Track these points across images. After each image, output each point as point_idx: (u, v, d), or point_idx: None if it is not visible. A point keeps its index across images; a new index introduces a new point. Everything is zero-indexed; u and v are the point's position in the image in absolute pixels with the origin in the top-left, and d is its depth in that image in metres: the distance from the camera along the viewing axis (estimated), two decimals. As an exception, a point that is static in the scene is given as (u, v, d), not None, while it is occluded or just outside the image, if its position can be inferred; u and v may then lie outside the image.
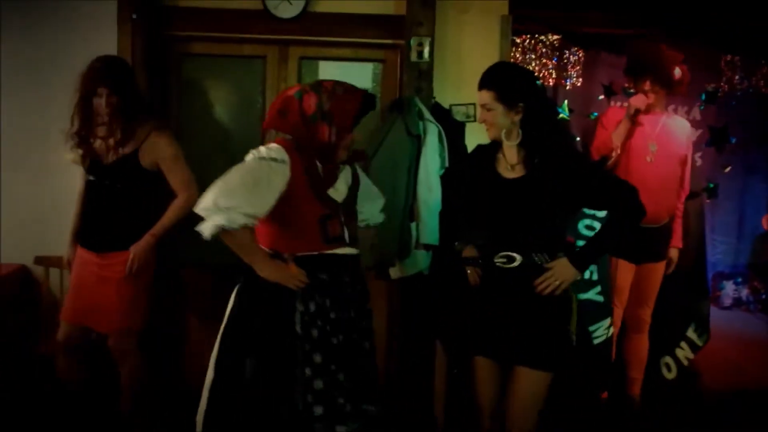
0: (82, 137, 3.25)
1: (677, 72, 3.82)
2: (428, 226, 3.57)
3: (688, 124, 4.13)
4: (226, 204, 2.29)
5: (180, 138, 4.03)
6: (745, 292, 6.05)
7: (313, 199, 2.45)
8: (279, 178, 2.38)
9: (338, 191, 2.54)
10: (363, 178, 2.79)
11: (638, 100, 3.81)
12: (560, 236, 2.66)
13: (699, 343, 4.26)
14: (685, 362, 4.25)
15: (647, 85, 3.83)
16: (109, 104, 3.17)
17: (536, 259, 2.57)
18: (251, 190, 2.32)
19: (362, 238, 2.79)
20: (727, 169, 5.79)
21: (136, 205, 3.29)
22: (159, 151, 3.28)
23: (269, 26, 3.89)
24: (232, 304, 2.56)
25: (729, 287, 6.12)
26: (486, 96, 2.59)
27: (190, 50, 4.02)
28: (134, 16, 3.78)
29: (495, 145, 2.70)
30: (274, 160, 2.38)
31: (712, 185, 5.73)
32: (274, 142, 2.50)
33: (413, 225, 3.61)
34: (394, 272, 3.71)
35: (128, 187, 3.26)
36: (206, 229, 2.31)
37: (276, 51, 4.04)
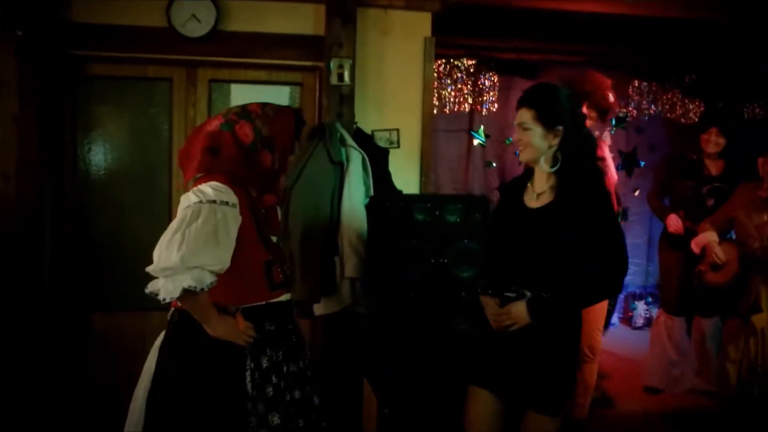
0: None
1: (610, 97, 3.80)
2: (353, 259, 3.35)
3: (606, 146, 4.12)
4: (195, 262, 1.98)
5: (76, 168, 3.75)
6: (656, 312, 6.13)
7: (258, 244, 2.20)
8: (234, 225, 2.09)
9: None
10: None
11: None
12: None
13: None
14: None
15: (583, 110, 3.79)
16: None
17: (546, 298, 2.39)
18: (215, 244, 2.02)
19: None
20: (637, 192, 5.90)
21: None
22: None
23: (176, 46, 3.63)
24: (159, 364, 2.22)
25: (640, 307, 6.22)
26: (525, 114, 2.41)
27: (88, 71, 3.72)
28: (19, 33, 3.41)
29: (527, 175, 2.54)
30: (226, 203, 2.08)
31: (622, 209, 5.81)
32: (204, 180, 2.16)
33: (337, 258, 3.39)
34: (318, 309, 3.48)
35: None
36: (168, 292, 1.98)
37: (183, 73, 3.79)
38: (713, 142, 4.37)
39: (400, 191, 3.67)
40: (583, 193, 2.38)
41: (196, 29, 3.59)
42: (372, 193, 3.50)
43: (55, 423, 3.57)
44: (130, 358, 3.63)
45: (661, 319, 4.66)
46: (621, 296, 6.22)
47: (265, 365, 2.18)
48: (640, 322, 6.20)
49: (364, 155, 3.50)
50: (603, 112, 3.83)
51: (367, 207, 3.40)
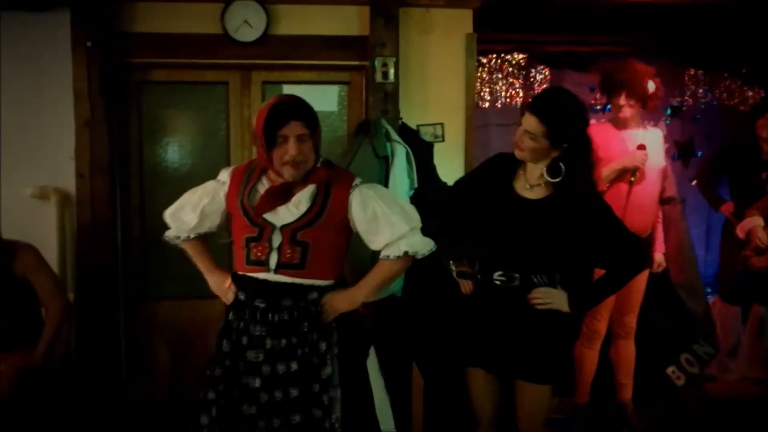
0: None
1: (650, 85, 3.81)
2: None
3: (661, 133, 4.11)
4: (166, 219, 2.62)
5: (142, 168, 3.99)
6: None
7: (242, 220, 2.46)
8: (209, 198, 2.53)
9: (279, 214, 2.41)
10: (376, 205, 2.45)
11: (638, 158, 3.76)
12: (567, 264, 2.53)
13: (705, 357, 4.31)
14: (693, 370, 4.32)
15: (622, 100, 3.82)
16: None
17: (535, 281, 2.51)
18: (180, 209, 2.58)
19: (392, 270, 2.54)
20: (694, 182, 5.81)
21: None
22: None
23: (230, 51, 3.81)
24: None
25: (700, 298, 6.11)
26: (534, 124, 2.41)
27: (150, 78, 3.93)
28: (89, 44, 3.67)
29: (516, 162, 2.59)
30: (216, 181, 2.56)
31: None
32: None
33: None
34: (367, 296, 3.62)
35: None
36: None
37: (238, 76, 3.96)
38: None
39: (445, 183, 3.79)
40: (579, 190, 2.49)
41: (248, 34, 3.77)
42: (416, 185, 3.61)
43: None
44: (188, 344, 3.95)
45: (716, 307, 4.63)
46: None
47: (222, 325, 2.48)
48: (700, 313, 6.09)
49: (408, 149, 3.63)
50: (643, 100, 3.85)
51: (412, 198, 3.51)
